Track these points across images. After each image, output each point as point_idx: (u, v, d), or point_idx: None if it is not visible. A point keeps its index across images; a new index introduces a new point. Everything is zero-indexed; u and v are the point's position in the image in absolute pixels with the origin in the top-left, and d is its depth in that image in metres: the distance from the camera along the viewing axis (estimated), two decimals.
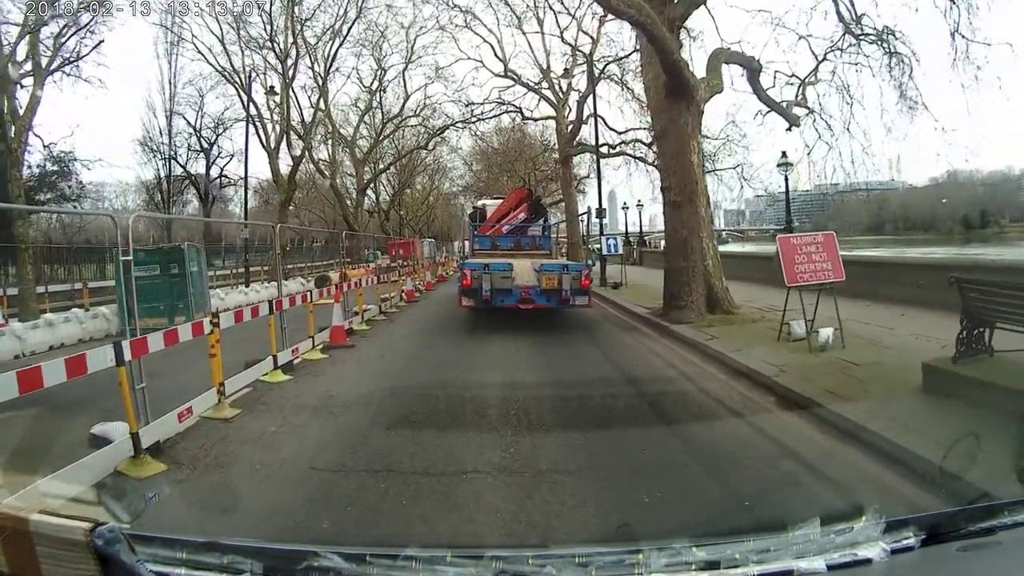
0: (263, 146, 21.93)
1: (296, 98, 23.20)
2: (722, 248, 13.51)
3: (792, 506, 3.08)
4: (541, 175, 32.01)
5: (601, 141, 18.89)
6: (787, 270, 6.68)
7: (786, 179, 14.65)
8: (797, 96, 13.74)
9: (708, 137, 19.77)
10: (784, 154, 14.50)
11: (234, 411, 4.93)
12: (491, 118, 26.75)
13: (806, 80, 13.60)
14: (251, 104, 20.85)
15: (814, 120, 13.59)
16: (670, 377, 5.97)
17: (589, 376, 6.14)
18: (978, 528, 1.22)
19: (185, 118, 31.53)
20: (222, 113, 29.28)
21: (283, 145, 22.13)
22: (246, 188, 20.20)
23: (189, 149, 33.04)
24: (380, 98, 27.55)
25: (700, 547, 1.15)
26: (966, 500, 2.20)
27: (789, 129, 13.59)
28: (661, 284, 9.51)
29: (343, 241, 12.25)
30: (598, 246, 22.06)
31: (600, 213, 17.13)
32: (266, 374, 5.99)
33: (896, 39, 11.74)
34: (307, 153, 24.72)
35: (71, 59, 14.69)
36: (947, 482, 2.78)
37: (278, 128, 21.79)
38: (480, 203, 16.17)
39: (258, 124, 21.91)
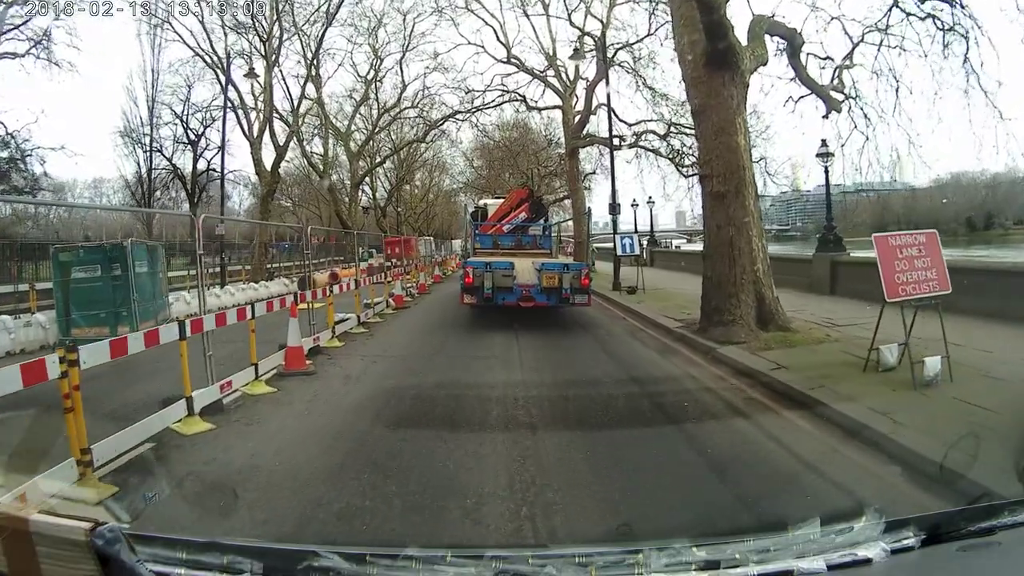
0: (245, 135, 20.17)
1: (286, 87, 21.55)
2: None
3: None
4: (544, 171, 30.35)
5: (612, 132, 17.24)
6: (887, 280, 5.02)
7: (826, 171, 12.89)
8: (833, 80, 12.35)
9: None
10: (824, 143, 12.84)
11: (106, 490, 3.26)
12: (493, 107, 24.99)
13: (843, 63, 12.22)
14: (229, 87, 19.03)
15: (849, 108, 12.30)
16: (741, 430, 4.24)
17: (635, 431, 4.32)
18: (978, 528, 1.18)
19: (172, 109, 29.90)
20: (210, 103, 27.61)
21: (267, 135, 20.37)
22: (223, 181, 18.53)
23: (176, 142, 31.42)
24: (376, 89, 25.94)
25: (700, 547, 1.10)
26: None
27: (827, 116, 12.21)
28: (681, 288, 8.08)
29: (307, 239, 10.29)
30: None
31: (614, 209, 15.49)
32: (179, 421, 4.30)
33: (962, 9, 10.21)
34: (298, 145, 23.08)
35: (19, 25, 12.98)
36: None
37: (261, 116, 20.00)
38: (482, 202, 16.32)
39: (240, 111, 20.17)
